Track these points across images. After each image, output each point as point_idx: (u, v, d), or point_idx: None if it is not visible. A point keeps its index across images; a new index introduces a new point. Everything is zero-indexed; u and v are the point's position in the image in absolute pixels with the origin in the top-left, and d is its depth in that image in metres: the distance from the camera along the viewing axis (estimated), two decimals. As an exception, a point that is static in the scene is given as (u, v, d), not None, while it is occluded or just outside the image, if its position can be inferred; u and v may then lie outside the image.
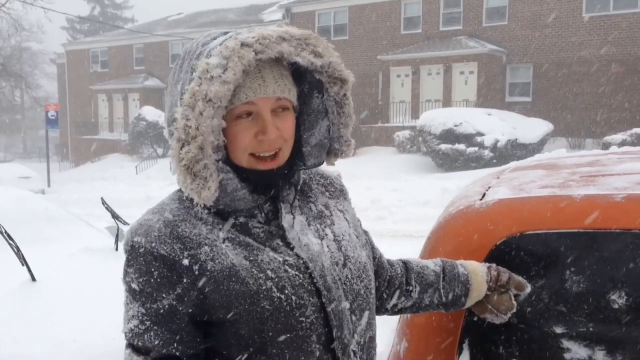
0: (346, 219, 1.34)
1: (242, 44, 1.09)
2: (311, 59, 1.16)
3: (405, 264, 1.51)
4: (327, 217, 1.30)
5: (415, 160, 20.65)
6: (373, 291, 1.31)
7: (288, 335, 1.14)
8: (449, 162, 19.22)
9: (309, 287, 1.17)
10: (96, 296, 3.41)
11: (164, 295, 1.11)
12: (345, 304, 1.21)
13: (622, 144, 17.51)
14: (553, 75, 22.98)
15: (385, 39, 26.41)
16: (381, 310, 1.49)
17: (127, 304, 1.15)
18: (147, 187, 19.68)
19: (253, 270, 1.13)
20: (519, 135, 18.87)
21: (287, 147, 1.20)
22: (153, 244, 1.12)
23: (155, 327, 1.13)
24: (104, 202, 4.36)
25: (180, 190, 1.21)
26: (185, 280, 1.12)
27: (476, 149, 18.71)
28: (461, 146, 18.90)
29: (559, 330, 1.50)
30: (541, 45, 23.17)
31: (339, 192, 1.40)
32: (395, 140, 22.22)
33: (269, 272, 1.14)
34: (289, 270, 1.16)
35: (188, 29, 34.34)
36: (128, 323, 1.15)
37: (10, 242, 3.34)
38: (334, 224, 1.30)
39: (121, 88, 35.95)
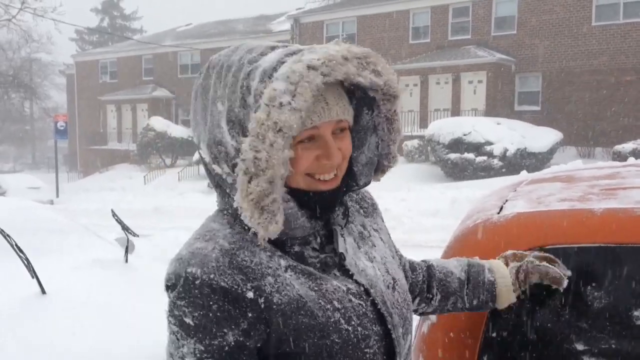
0: (381, 239, 1.29)
1: (309, 67, 1.02)
2: (372, 79, 1.09)
3: (429, 269, 1.46)
4: (367, 238, 1.25)
5: (424, 170, 20.61)
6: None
7: None
8: (457, 172, 19.16)
9: (372, 316, 1.12)
10: (106, 309, 3.39)
11: (225, 330, 1.02)
12: (400, 330, 1.17)
13: (633, 152, 17.41)
14: (562, 84, 22.92)
15: (394, 49, 26.46)
16: None
17: (178, 339, 1.04)
18: (156, 198, 19.74)
19: (320, 301, 1.07)
20: (528, 144, 18.80)
21: (344, 167, 1.14)
22: (211, 276, 1.02)
23: None
24: (114, 214, 4.35)
25: (222, 211, 1.14)
26: (250, 315, 1.03)
27: (485, 158, 18.66)
28: (470, 155, 18.85)
29: (580, 347, 1.46)
30: (550, 54, 23.13)
31: (372, 209, 1.34)
32: (404, 150, 22.21)
33: (335, 302, 1.08)
34: (353, 299, 1.11)
35: (197, 40, 34.55)
36: None
37: (21, 254, 3.32)
38: (375, 246, 1.25)
39: (130, 98, 36.19)
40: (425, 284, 1.44)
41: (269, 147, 0.99)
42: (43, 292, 3.37)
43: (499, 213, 1.68)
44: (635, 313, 1.42)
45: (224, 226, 1.11)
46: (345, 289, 1.11)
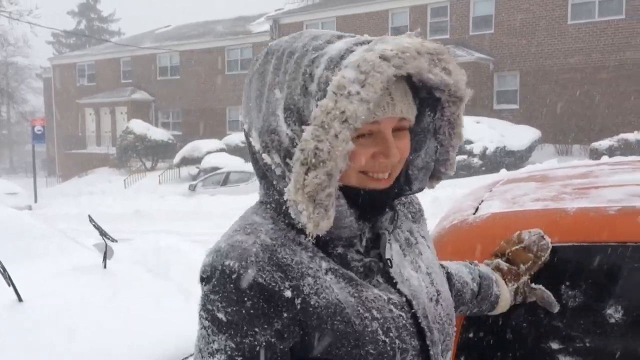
0: (428, 247, 1.23)
1: (381, 57, 0.96)
2: (443, 77, 1.03)
3: (449, 277, 1.40)
4: (413, 245, 1.19)
5: (404, 169, 20.67)
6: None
7: None
8: (438, 171, 19.25)
9: (411, 329, 1.06)
10: (85, 316, 3.36)
11: (256, 329, 0.97)
12: (440, 347, 1.11)
13: (609, 149, 17.64)
14: (539, 83, 23.14)
15: (373, 49, 26.50)
16: None
17: (209, 335, 1.00)
18: (136, 201, 19.59)
19: (359, 309, 1.02)
20: (507, 143, 18.98)
21: (399, 168, 1.08)
22: (249, 271, 0.97)
23: None
24: (91, 220, 4.29)
25: (265, 204, 1.09)
26: (285, 315, 0.98)
27: (465, 157, 18.78)
28: (450, 154, 18.95)
29: (555, 346, 1.47)
30: (527, 53, 23.35)
31: (419, 214, 1.27)
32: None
33: (374, 311, 1.03)
34: (394, 310, 1.05)
35: (176, 42, 34.33)
36: (211, 357, 0.99)
37: (-4, 262, 3.28)
38: (422, 254, 1.19)
39: (108, 102, 35.85)
40: None
41: (333, 138, 0.93)
42: (20, 299, 3.33)
43: (474, 214, 1.70)
44: (609, 311, 1.44)
45: (267, 220, 1.06)
46: (386, 298, 1.06)
